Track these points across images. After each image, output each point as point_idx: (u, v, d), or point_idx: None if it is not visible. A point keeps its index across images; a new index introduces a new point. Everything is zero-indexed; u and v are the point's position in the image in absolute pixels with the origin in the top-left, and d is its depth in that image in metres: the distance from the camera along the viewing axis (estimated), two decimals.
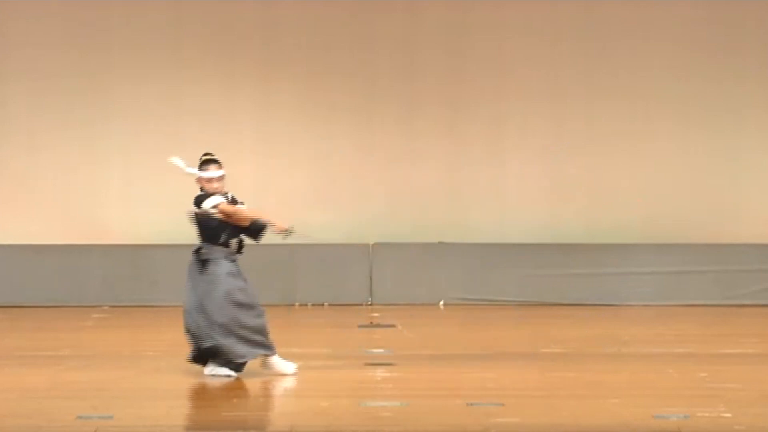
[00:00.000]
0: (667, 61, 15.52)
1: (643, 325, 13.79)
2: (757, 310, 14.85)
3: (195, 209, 10.21)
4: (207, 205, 10.16)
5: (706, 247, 15.39)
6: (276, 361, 10.29)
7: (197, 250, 10.27)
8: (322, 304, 15.20)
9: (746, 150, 15.58)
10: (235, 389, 9.90)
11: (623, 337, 12.82)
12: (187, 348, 10.48)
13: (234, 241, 10.31)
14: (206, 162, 10.24)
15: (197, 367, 10.36)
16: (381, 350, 11.77)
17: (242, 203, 10.30)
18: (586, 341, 12.53)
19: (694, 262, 15.30)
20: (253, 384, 10.04)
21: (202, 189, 10.24)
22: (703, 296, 15.19)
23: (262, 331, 10.22)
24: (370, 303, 15.24)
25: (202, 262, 10.23)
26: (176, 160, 10.20)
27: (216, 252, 10.23)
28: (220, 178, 10.21)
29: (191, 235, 10.24)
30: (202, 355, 10.28)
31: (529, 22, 15.53)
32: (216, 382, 10.07)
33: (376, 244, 15.42)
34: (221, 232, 10.24)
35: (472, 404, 9.01)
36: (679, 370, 10.65)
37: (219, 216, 10.16)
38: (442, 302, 15.30)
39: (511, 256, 15.33)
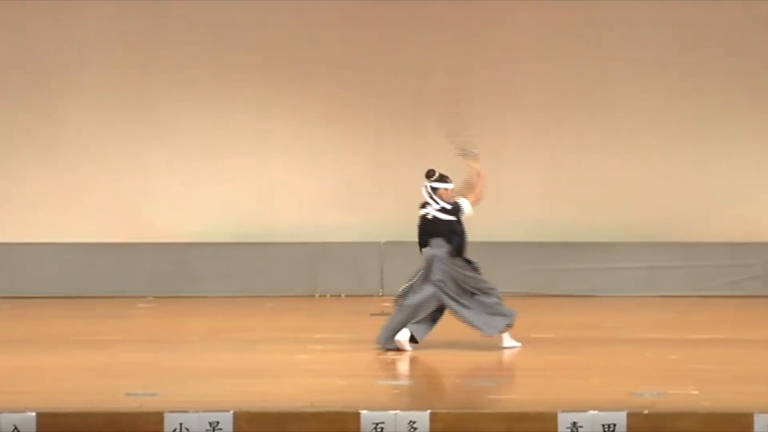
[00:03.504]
0: (651, 83, 15.40)
1: (623, 314, 13.73)
2: (725, 300, 14.76)
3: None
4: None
5: (680, 246, 15.29)
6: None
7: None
8: (340, 295, 15.15)
9: (716, 160, 15.47)
10: (263, 369, 9.86)
11: (606, 324, 12.79)
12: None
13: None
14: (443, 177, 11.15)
15: (230, 348, 10.34)
16: None
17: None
18: (573, 328, 12.49)
19: (670, 258, 15.21)
20: (278, 364, 10.03)
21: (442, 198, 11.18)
22: (678, 288, 15.10)
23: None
24: (381, 294, 15.16)
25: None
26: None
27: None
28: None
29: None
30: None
31: (527, 46, 15.45)
32: (243, 364, 10.02)
33: (387, 243, 15.37)
34: None
35: (471, 382, 9.02)
36: (654, 353, 10.61)
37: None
38: None
39: (507, 252, 15.24)
